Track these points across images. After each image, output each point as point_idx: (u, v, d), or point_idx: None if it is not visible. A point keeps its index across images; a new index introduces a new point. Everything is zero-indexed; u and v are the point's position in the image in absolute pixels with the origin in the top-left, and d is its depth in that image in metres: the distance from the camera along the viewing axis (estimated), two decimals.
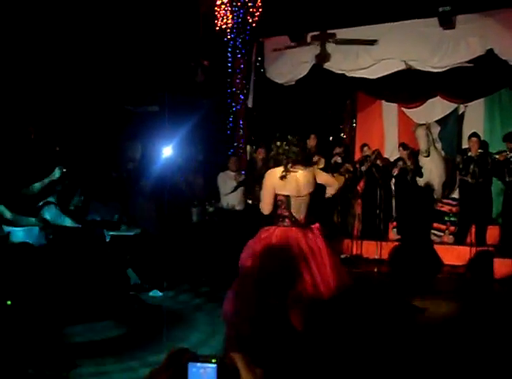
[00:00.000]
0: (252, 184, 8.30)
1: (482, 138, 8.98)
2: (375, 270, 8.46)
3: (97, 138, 9.05)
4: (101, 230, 6.84)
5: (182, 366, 1.25)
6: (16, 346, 4.02)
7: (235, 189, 8.35)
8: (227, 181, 8.48)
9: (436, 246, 8.87)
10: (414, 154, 9.33)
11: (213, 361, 1.26)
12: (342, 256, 9.43)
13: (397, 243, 9.08)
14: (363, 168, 9.50)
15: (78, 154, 8.66)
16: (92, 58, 8.99)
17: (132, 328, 5.36)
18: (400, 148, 9.41)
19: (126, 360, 4.35)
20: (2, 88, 8.10)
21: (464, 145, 9.55)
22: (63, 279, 5.56)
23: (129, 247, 6.86)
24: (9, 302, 2.73)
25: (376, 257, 9.10)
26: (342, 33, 9.36)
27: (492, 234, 8.64)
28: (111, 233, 6.97)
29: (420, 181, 9.26)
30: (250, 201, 8.21)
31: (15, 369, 3.94)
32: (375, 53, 9.23)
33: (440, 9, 8.40)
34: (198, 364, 1.25)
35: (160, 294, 6.63)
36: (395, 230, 9.67)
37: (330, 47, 9.43)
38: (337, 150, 9.79)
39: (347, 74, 9.54)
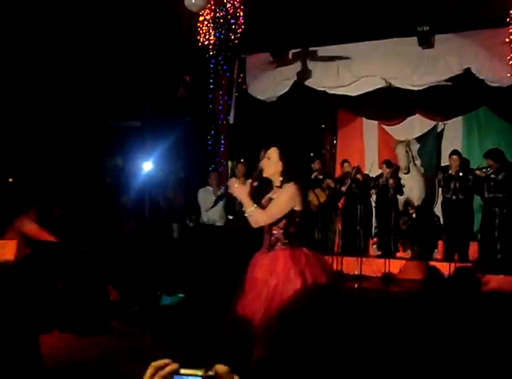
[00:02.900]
0: (233, 200, 8.29)
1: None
2: (355, 286, 8.46)
3: (78, 152, 9.00)
4: (80, 246, 6.77)
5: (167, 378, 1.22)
6: None
7: (215, 203, 8.33)
8: (207, 197, 8.47)
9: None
10: (396, 171, 9.40)
11: (199, 374, 1.24)
12: None
13: (378, 260, 9.14)
14: (343, 189, 9.54)
15: (59, 168, 8.61)
16: (75, 73, 8.97)
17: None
18: (384, 166, 9.45)
19: None
20: None
21: (444, 162, 9.65)
22: (41, 294, 5.48)
23: (109, 262, 6.79)
24: None
25: (356, 272, 9.10)
26: (323, 51, 9.47)
27: (472, 250, 8.73)
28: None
29: (400, 198, 9.34)
30: (230, 217, 8.19)
31: None
32: (356, 70, 9.34)
33: (419, 29, 8.54)
34: (184, 377, 1.23)
35: None
36: (375, 246, 9.72)
37: (311, 64, 9.52)
38: (316, 166, 9.82)
39: (328, 91, 9.64)
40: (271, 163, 3.72)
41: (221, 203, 8.27)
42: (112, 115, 9.99)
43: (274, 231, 3.70)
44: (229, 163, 9.91)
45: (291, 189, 3.67)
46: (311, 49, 9.50)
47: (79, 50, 8.91)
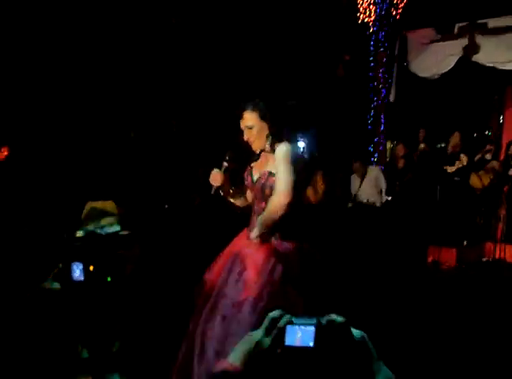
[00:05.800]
0: (393, 181, 8.12)
1: None
2: None
3: (232, 131, 9.29)
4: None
5: (281, 329, 1.26)
6: None
7: (360, 186, 8.23)
8: (355, 182, 8.40)
9: None
10: None
11: (312, 323, 1.26)
12: (483, 259, 9.01)
13: None
14: (511, 173, 8.97)
15: (217, 146, 8.97)
16: (235, 54, 9.25)
17: None
18: None
19: None
20: (152, 84, 8.60)
21: None
22: None
23: None
24: (108, 279, 2.76)
25: None
26: (494, 22, 8.78)
27: None
28: None
29: None
30: (389, 198, 8.04)
31: None
32: None
33: None
34: (296, 326, 1.26)
35: None
36: None
37: (480, 38, 8.88)
38: (488, 147, 9.32)
39: (498, 67, 8.96)
40: (255, 132, 2.88)
41: (372, 184, 8.04)
42: (267, 94, 10.15)
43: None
44: (388, 143, 9.67)
45: (284, 148, 2.80)
46: (480, 21, 8.86)
47: (239, 32, 9.15)
